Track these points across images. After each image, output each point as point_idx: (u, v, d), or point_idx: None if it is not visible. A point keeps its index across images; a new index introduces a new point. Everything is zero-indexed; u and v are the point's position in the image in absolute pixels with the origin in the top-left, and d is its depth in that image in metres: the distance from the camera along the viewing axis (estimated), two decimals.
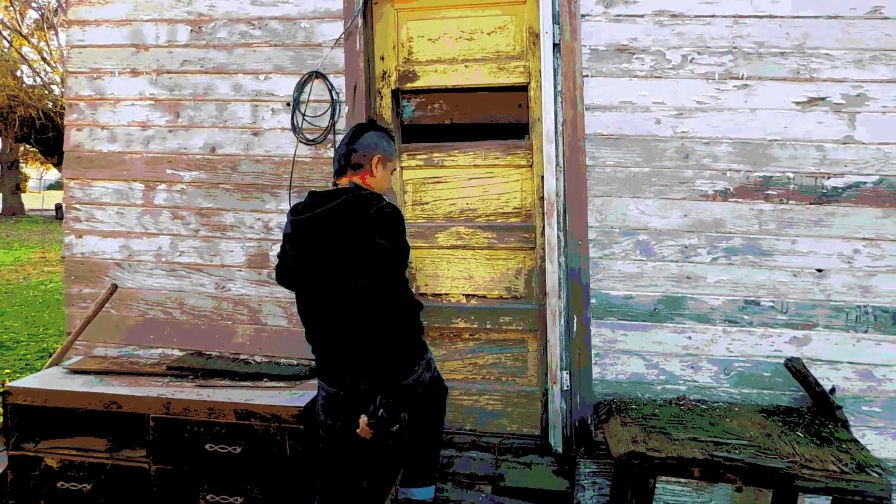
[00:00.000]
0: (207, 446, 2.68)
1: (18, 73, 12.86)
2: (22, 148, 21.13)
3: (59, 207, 25.73)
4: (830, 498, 2.32)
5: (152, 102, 3.33)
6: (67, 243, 3.41)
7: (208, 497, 2.71)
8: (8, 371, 5.66)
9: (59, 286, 10.68)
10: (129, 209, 3.35)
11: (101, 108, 3.38)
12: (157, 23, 3.32)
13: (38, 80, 12.89)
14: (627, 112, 2.99)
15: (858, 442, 2.55)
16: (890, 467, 2.84)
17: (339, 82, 3.16)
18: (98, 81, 3.38)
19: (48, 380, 2.96)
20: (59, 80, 13.10)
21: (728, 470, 2.25)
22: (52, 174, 45.87)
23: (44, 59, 12.91)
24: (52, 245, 17.03)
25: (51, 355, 6.40)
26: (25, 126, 11.99)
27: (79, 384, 2.90)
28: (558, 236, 2.97)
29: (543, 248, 3.04)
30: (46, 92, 12.90)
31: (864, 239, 2.89)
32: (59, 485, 2.79)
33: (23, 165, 27.05)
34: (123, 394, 2.79)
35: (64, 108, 10.58)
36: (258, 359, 3.22)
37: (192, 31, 3.29)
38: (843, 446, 2.46)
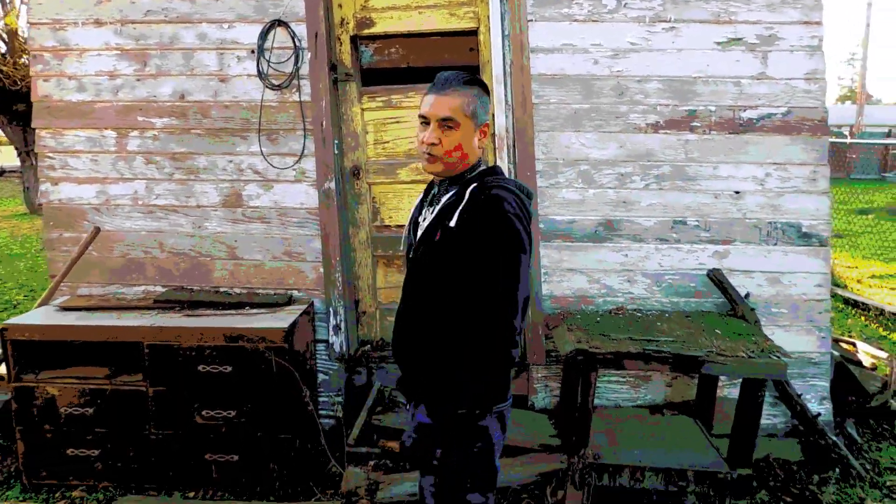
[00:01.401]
0: (200, 367, 2.97)
1: None
2: None
3: None
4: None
5: (119, 52, 3.46)
6: (44, 191, 3.56)
7: (203, 413, 3.01)
8: None
9: (5, 241, 10.55)
10: (103, 156, 3.51)
11: (66, 59, 3.48)
12: None
13: None
14: (568, 54, 3.29)
15: (767, 336, 3.01)
16: (795, 357, 3.34)
17: (300, 30, 3.35)
18: (61, 32, 3.47)
19: (42, 317, 3.17)
20: None
21: (656, 360, 2.67)
22: None
23: None
24: None
25: (15, 306, 6.49)
26: None
27: (72, 319, 3.13)
28: (509, 168, 3.28)
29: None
30: None
31: (774, 164, 3.30)
32: (61, 410, 3.04)
33: None
34: (117, 325, 3.04)
35: (5, 66, 10.13)
36: (237, 290, 3.49)
37: None
38: (753, 339, 2.91)
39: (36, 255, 9.35)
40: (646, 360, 2.70)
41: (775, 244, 3.34)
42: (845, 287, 7.12)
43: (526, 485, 2.92)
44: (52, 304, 3.34)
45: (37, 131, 3.52)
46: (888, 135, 23.93)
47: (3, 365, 3.18)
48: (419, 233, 1.88)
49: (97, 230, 3.42)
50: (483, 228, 1.71)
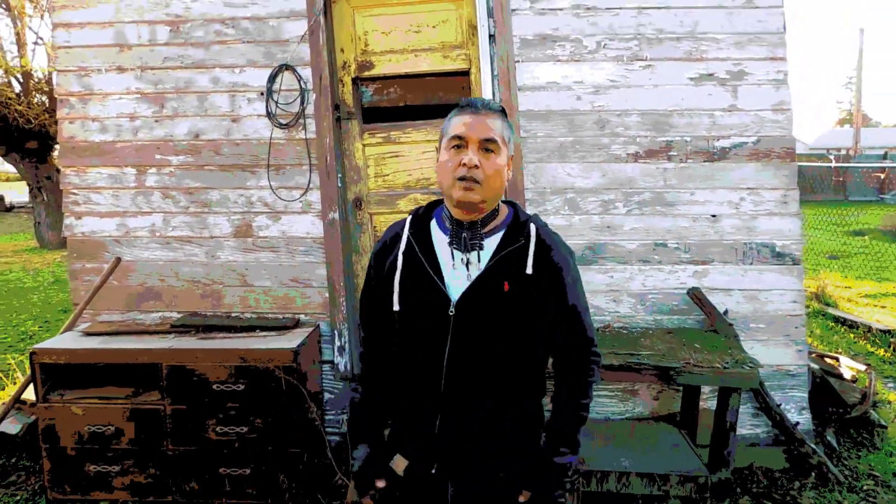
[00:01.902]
0: (214, 386, 3.19)
1: None
2: None
3: (1, 199, 25.11)
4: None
5: (138, 96, 3.75)
6: (68, 224, 3.82)
7: (217, 429, 3.22)
8: None
9: (18, 276, 10.82)
10: (123, 191, 3.78)
11: (90, 103, 3.77)
12: (139, 24, 3.72)
13: None
14: (553, 91, 3.56)
15: (742, 349, 3.22)
16: (772, 369, 3.55)
17: (306, 73, 3.63)
18: (86, 78, 3.76)
19: (67, 341, 3.40)
20: (1, 74, 12.99)
21: (636, 370, 2.89)
22: None
23: None
24: (2, 236, 16.87)
25: (31, 337, 6.73)
26: None
27: (95, 343, 3.36)
28: None
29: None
30: None
31: (747, 189, 3.55)
32: (85, 428, 3.26)
33: None
34: (137, 348, 3.27)
35: (8, 101, 10.56)
36: (248, 315, 3.72)
37: (170, 30, 3.70)
38: (729, 352, 3.12)
39: (48, 289, 9.62)
40: (627, 370, 2.91)
41: (751, 263, 3.57)
42: (836, 306, 7.31)
43: None
44: (76, 329, 3.58)
45: (62, 169, 3.80)
46: (884, 157, 24.22)
47: (30, 388, 3.41)
48: (458, 287, 1.60)
49: (118, 260, 3.67)
50: (562, 269, 1.63)
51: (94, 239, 3.81)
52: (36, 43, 14.19)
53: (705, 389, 3.50)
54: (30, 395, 3.63)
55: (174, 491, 3.28)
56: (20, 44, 13.86)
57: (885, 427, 3.96)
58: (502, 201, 1.70)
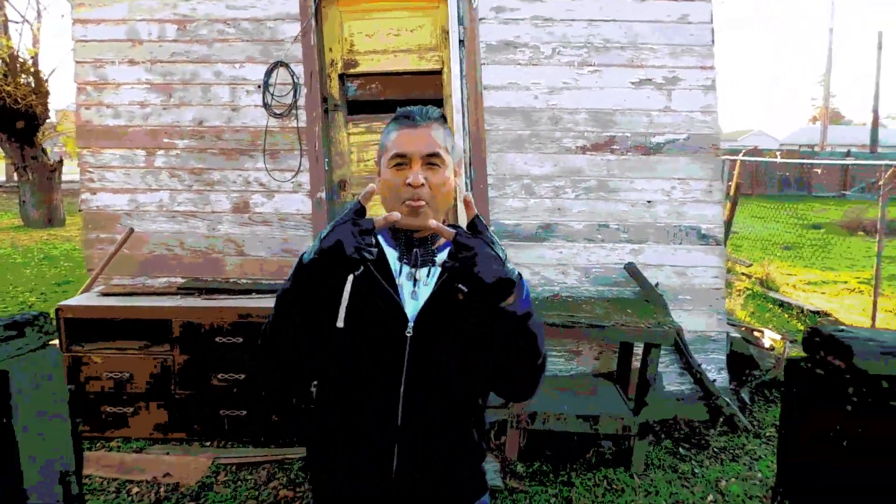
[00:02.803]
0: (216, 339, 3.71)
1: None
2: None
3: None
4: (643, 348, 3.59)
5: (148, 86, 4.23)
6: (84, 199, 4.30)
7: (218, 376, 3.75)
8: None
9: (7, 252, 11.15)
10: (134, 171, 4.27)
11: (105, 91, 4.25)
12: (149, 22, 4.19)
13: None
14: (513, 90, 4.11)
15: (669, 315, 3.82)
16: (696, 335, 4.15)
17: (298, 69, 4.14)
18: (101, 69, 4.24)
19: (87, 300, 3.90)
20: None
21: (571, 327, 3.46)
22: None
23: None
24: None
25: (30, 307, 7.17)
26: None
27: (112, 302, 3.86)
28: (466, 183, 4.08)
29: (455, 192, 4.16)
30: None
31: (678, 179, 4.13)
32: (103, 375, 3.77)
33: None
34: (150, 305, 3.78)
35: (8, 86, 10.80)
36: (244, 281, 4.24)
37: (178, 28, 4.19)
38: (655, 317, 3.71)
39: (40, 264, 9.99)
40: (568, 328, 3.49)
41: (680, 243, 4.16)
42: (777, 290, 7.99)
43: None
44: (93, 291, 4.07)
45: (80, 150, 4.27)
46: (847, 154, 25.19)
47: (56, 341, 3.90)
48: (412, 304, 1.46)
49: (131, 231, 4.16)
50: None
51: (107, 212, 4.29)
52: (14, 22, 14.35)
53: (638, 350, 4.09)
54: None
55: (181, 430, 3.80)
56: (4, 25, 14.05)
57: None
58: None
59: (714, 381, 4.10)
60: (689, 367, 4.06)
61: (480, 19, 4.07)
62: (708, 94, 4.09)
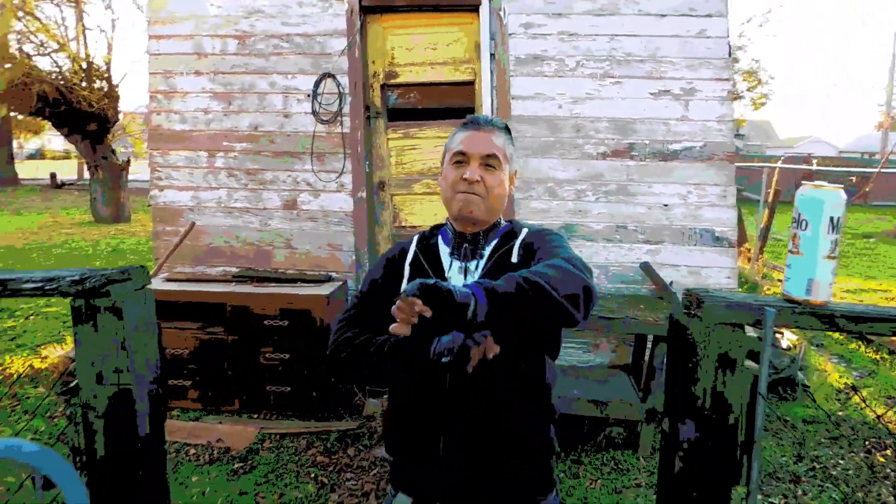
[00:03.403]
0: (265, 322, 4.16)
1: (27, 51, 13.96)
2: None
3: (53, 176, 26.65)
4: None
5: (211, 94, 4.72)
6: (152, 195, 4.82)
7: (266, 355, 4.19)
8: None
9: (79, 244, 12.01)
10: (197, 170, 4.76)
11: (173, 99, 4.76)
12: (213, 37, 4.69)
13: (49, 59, 14.01)
14: (540, 100, 4.43)
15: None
16: None
17: (344, 80, 4.57)
18: (171, 80, 4.75)
19: (153, 285, 4.40)
20: (68, 62, 14.18)
21: (596, 322, 3.77)
22: (32, 144, 45.72)
23: (48, 46, 14.02)
24: (59, 210, 18.23)
25: None
26: (40, 101, 13.14)
27: (174, 287, 4.36)
28: None
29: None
30: (57, 71, 14.02)
31: (694, 184, 4.39)
32: (166, 352, 4.25)
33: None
34: (207, 290, 4.25)
35: (73, 86, 11.70)
36: (291, 271, 4.69)
37: (238, 43, 4.67)
38: (667, 312, 3.98)
39: (108, 256, 10.77)
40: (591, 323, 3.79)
41: (695, 245, 4.41)
42: None
43: None
44: (158, 277, 4.58)
45: (151, 151, 4.80)
46: None
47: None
48: None
49: (193, 224, 4.66)
50: (534, 242, 1.60)
51: (172, 207, 4.81)
52: (90, 30, 15.31)
53: (651, 345, 4.36)
54: None
55: (232, 402, 4.26)
56: (83, 34, 15.06)
57: (808, 387, 4.78)
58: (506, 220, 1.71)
59: None
60: None
61: (510, 34, 4.42)
62: (724, 105, 4.33)
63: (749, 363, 1.19)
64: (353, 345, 1.50)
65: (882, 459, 3.87)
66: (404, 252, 1.68)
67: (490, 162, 1.56)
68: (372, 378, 1.55)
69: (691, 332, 1.22)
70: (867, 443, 4.09)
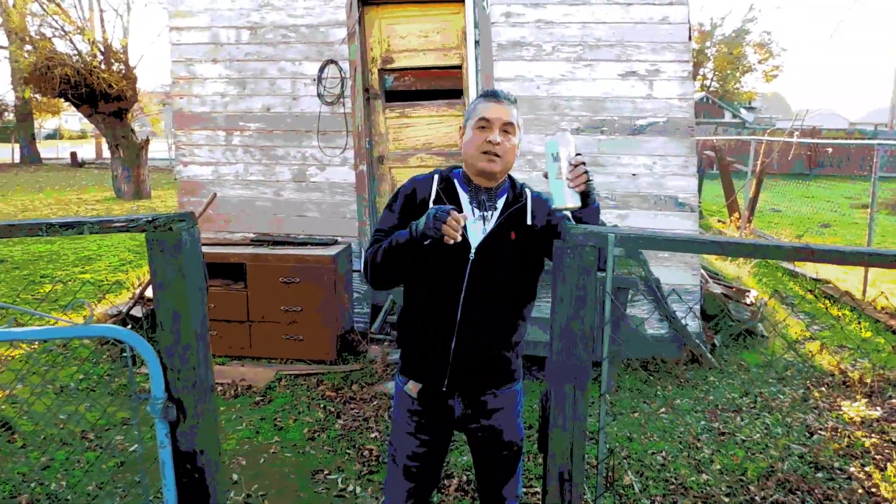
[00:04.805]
0: (280, 279, 4.77)
1: (49, 36, 14.58)
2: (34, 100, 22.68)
3: (74, 155, 27.44)
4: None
5: (227, 80, 5.29)
6: (178, 170, 5.43)
7: (281, 308, 4.81)
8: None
9: None
10: (217, 148, 5.35)
11: (194, 84, 5.34)
12: (228, 28, 5.24)
13: (69, 44, 14.65)
14: (520, 82, 4.96)
15: (647, 268, 4.63)
16: (674, 287, 4.95)
17: (345, 66, 5.11)
18: (191, 67, 5.32)
19: None
20: (87, 45, 14.77)
21: None
22: (51, 124, 46.46)
23: (66, 30, 14.63)
24: (82, 188, 18.95)
25: (129, 262, 8.45)
26: (63, 83, 13.77)
27: None
28: None
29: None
30: (77, 54, 14.64)
31: (658, 156, 4.91)
32: None
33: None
34: (230, 251, 4.87)
35: (93, 69, 12.29)
36: (302, 236, 5.29)
37: (250, 33, 5.22)
38: (628, 268, 4.54)
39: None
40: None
41: (660, 210, 4.95)
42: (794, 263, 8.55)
43: None
44: None
45: (175, 131, 5.39)
46: None
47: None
48: (475, 237, 1.93)
49: (215, 195, 5.26)
50: (547, 220, 1.97)
51: (195, 181, 5.41)
52: (106, 12, 15.83)
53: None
54: (149, 293, 5.25)
55: (251, 349, 4.90)
56: (100, 17, 15.65)
57: (767, 337, 5.34)
58: None
59: (687, 326, 4.89)
60: (665, 312, 4.87)
61: (493, 23, 4.93)
62: (684, 84, 4.84)
63: (600, 273, 1.75)
64: (381, 248, 1.92)
65: (817, 394, 4.44)
66: (426, 187, 2.00)
67: (507, 129, 1.92)
68: (401, 269, 1.93)
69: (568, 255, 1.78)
70: (809, 382, 4.66)
